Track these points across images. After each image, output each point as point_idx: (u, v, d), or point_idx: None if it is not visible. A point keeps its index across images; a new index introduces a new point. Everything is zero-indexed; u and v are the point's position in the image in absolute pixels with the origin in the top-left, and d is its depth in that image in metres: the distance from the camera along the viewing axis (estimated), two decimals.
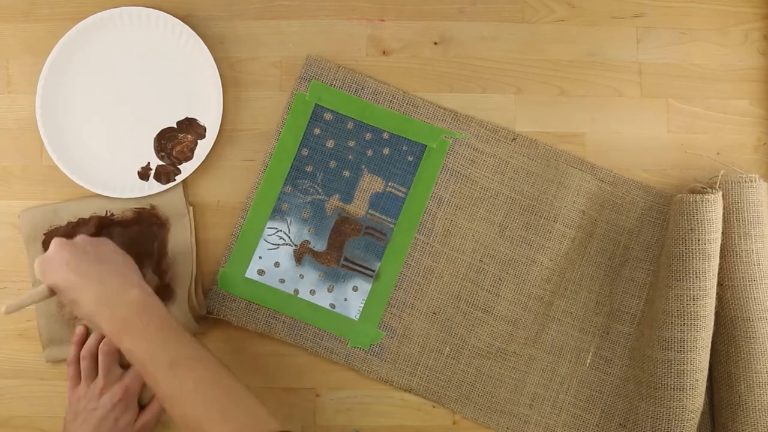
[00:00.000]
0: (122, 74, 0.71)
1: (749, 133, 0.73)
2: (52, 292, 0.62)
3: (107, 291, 0.60)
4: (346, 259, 0.71)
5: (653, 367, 0.66)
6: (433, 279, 0.71)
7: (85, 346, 0.68)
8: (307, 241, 0.71)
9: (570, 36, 0.73)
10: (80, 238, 0.64)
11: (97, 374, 0.67)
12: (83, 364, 0.67)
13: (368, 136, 0.72)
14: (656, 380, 0.66)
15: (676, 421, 0.65)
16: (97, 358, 0.67)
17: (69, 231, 0.70)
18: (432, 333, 0.70)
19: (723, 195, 0.66)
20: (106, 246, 0.64)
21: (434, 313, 0.71)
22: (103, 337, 0.68)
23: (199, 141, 0.71)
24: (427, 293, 0.71)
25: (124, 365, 0.68)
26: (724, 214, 0.66)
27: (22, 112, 0.72)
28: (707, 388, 0.67)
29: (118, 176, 0.70)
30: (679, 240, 0.65)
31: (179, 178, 0.70)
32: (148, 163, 0.71)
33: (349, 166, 0.71)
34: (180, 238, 0.70)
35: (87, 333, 0.69)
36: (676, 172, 0.72)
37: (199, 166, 0.70)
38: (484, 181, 0.71)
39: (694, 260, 0.64)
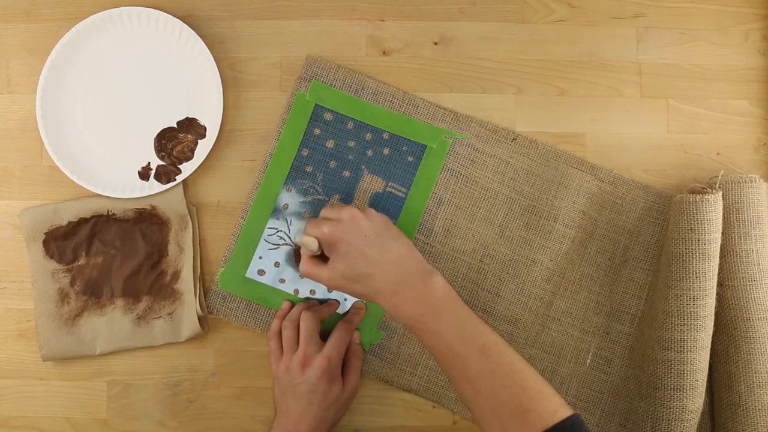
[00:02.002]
0: (122, 74, 0.71)
1: (749, 133, 0.73)
2: (320, 250, 0.63)
3: (410, 274, 0.60)
4: None
5: (653, 367, 0.66)
6: None
7: (288, 315, 0.67)
8: None
9: (570, 36, 0.73)
10: (372, 212, 0.64)
11: (297, 347, 0.65)
12: (285, 334, 0.66)
13: (368, 136, 0.72)
14: (656, 380, 0.66)
15: (676, 421, 0.65)
16: (299, 329, 0.66)
17: (69, 231, 0.70)
18: None
19: (723, 195, 0.66)
20: (394, 226, 0.65)
21: None
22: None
23: (199, 141, 0.71)
24: None
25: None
26: (724, 214, 0.66)
27: (22, 112, 0.72)
28: (707, 388, 0.67)
29: (118, 176, 0.70)
30: (679, 240, 0.65)
31: (179, 178, 0.70)
32: (149, 163, 0.71)
33: (349, 166, 0.71)
34: (183, 238, 0.70)
35: (290, 308, 0.69)
36: (676, 172, 0.72)
37: (199, 166, 0.70)
38: (484, 181, 0.71)
39: (694, 260, 0.64)
